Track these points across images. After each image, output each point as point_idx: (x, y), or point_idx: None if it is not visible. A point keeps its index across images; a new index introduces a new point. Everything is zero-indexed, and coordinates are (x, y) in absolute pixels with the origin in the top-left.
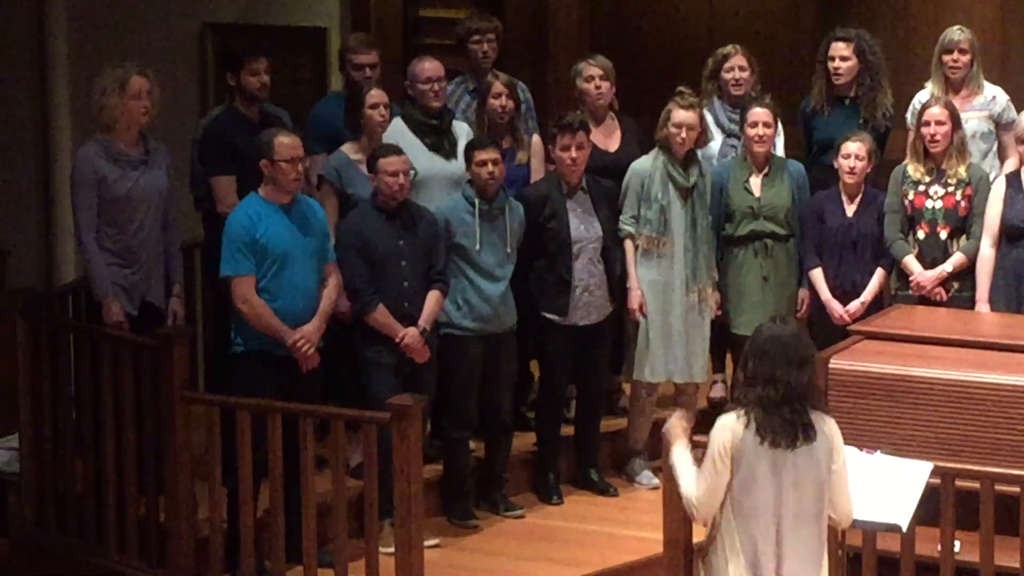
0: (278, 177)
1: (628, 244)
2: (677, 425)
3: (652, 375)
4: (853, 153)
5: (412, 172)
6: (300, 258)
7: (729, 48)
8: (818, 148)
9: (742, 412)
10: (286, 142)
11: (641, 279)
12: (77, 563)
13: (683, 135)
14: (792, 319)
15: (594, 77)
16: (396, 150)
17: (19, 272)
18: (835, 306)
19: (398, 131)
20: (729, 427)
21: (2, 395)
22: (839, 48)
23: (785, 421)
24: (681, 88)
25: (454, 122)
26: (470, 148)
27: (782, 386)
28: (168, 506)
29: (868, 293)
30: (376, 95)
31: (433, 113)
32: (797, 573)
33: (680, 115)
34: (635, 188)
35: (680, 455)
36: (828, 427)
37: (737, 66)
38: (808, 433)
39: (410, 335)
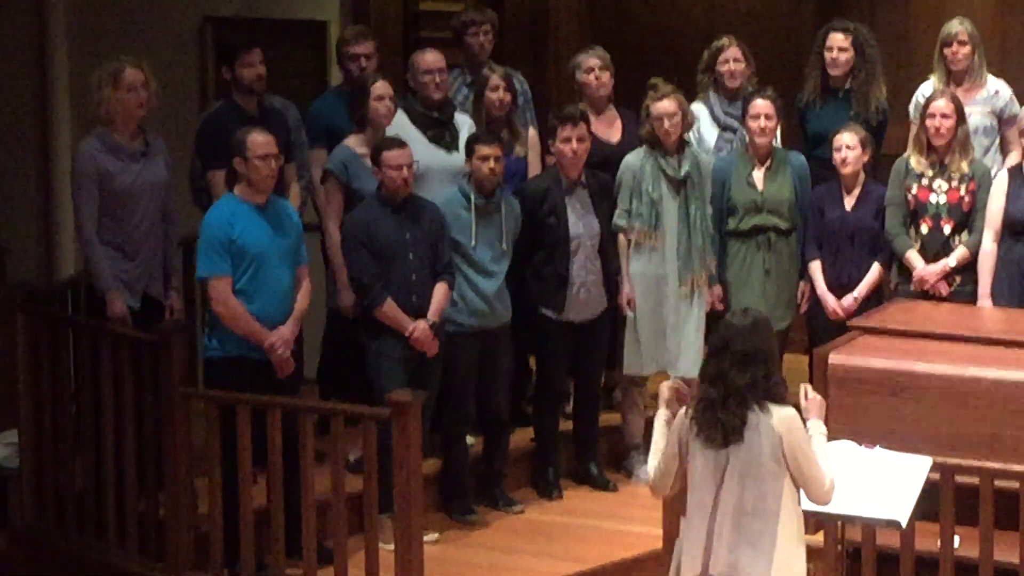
0: (252, 175)
1: (621, 238)
2: (665, 390)
3: (643, 368)
4: (844, 144)
5: (415, 164)
6: (276, 259)
7: (724, 40)
8: (811, 141)
9: (691, 406)
10: (259, 139)
11: (634, 273)
12: (77, 558)
13: (666, 124)
14: (753, 311)
15: (593, 68)
16: (400, 143)
17: (19, 267)
18: (829, 300)
19: (399, 123)
20: (684, 416)
21: (2, 390)
22: (837, 39)
23: (718, 421)
24: (654, 81)
25: (456, 115)
26: (473, 142)
27: (722, 386)
28: (168, 501)
29: (863, 288)
30: (381, 87)
31: (434, 105)
32: (745, 568)
33: (658, 106)
34: (627, 182)
35: (657, 423)
36: (778, 419)
37: (732, 58)
38: (739, 434)
39: (420, 328)
